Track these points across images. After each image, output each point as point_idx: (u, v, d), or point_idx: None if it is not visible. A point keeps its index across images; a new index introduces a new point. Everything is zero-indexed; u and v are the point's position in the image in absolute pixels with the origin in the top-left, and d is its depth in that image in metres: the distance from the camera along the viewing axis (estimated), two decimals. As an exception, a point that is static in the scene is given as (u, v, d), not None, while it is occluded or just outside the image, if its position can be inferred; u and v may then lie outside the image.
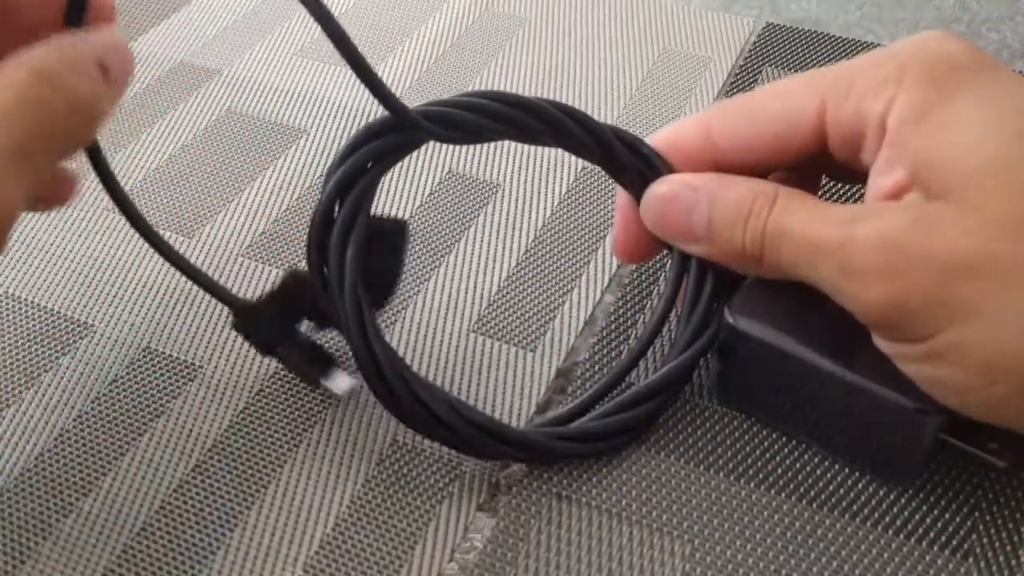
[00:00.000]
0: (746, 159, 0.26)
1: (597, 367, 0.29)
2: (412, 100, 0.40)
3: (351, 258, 0.25)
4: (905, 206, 0.22)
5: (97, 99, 0.22)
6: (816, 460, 0.27)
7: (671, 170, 0.27)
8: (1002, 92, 0.22)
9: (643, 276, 0.32)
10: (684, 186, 0.26)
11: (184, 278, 0.27)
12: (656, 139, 0.27)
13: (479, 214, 0.35)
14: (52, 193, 0.25)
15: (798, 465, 0.26)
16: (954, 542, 0.25)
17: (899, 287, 0.21)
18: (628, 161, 0.27)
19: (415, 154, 0.38)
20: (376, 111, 0.40)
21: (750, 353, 0.26)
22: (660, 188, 0.26)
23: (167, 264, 0.27)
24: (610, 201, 0.35)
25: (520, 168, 0.37)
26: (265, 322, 0.27)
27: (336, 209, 0.26)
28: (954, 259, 0.20)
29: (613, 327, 0.31)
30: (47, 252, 0.34)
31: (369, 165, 0.26)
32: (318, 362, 0.27)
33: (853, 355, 0.24)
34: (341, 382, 0.27)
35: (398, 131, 0.26)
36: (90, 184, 0.37)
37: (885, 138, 0.23)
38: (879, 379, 0.23)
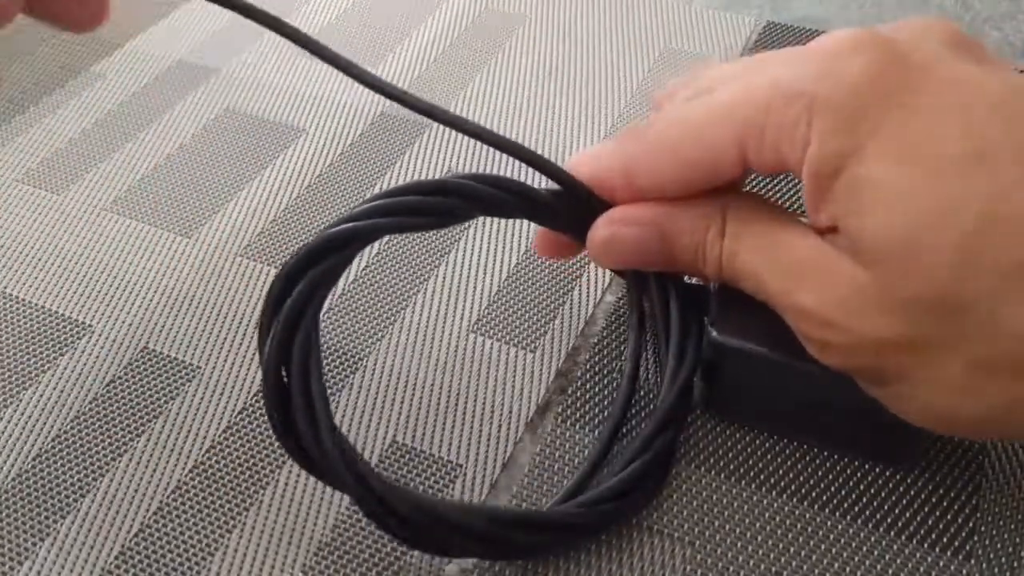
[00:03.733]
0: (675, 194, 0.25)
1: (597, 368, 0.29)
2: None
3: (318, 398, 0.23)
4: (833, 273, 0.22)
5: None
6: (816, 461, 0.26)
7: (604, 203, 0.26)
8: (920, 135, 0.20)
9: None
10: (628, 223, 0.25)
11: (181, 279, 0.27)
12: (575, 172, 0.26)
13: (479, 213, 0.35)
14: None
15: (799, 466, 0.26)
16: (955, 544, 0.24)
17: (839, 360, 0.22)
18: (559, 210, 0.26)
19: (414, 150, 0.38)
20: (372, 112, 0.40)
21: (738, 366, 0.25)
22: (604, 232, 0.25)
23: (166, 264, 0.26)
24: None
25: (520, 168, 0.36)
26: None
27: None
28: (877, 339, 0.21)
29: (613, 327, 0.31)
30: (45, 252, 0.34)
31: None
32: None
33: None
34: None
35: (330, 256, 0.23)
36: (87, 182, 0.37)
37: (804, 184, 0.22)
38: None
